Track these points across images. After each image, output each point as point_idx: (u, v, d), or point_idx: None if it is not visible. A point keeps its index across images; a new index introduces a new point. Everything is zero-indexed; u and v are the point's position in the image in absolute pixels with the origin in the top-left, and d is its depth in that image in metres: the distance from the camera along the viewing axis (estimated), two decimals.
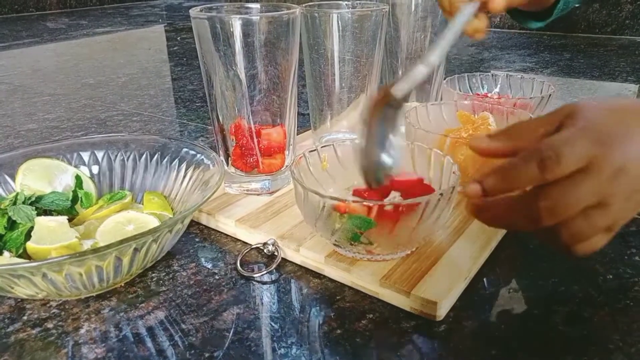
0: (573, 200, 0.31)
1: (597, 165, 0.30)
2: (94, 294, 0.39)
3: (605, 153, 0.31)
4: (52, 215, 0.44)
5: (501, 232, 0.45)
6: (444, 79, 0.68)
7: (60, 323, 0.37)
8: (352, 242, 0.38)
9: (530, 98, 0.60)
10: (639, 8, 1.44)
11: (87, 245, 0.41)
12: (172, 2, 2.69)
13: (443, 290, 0.36)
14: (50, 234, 0.40)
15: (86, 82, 1.08)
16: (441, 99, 0.67)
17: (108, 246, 0.33)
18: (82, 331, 0.36)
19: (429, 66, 0.39)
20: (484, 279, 0.41)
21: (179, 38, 1.63)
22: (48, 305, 0.39)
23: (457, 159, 0.47)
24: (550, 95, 0.61)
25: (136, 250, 0.36)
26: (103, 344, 0.35)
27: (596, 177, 0.30)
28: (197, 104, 0.91)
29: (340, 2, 0.59)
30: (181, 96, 0.98)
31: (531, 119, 0.38)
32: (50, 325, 0.37)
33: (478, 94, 0.68)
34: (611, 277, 0.41)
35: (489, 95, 0.68)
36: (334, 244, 0.41)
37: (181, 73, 1.16)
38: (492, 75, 0.70)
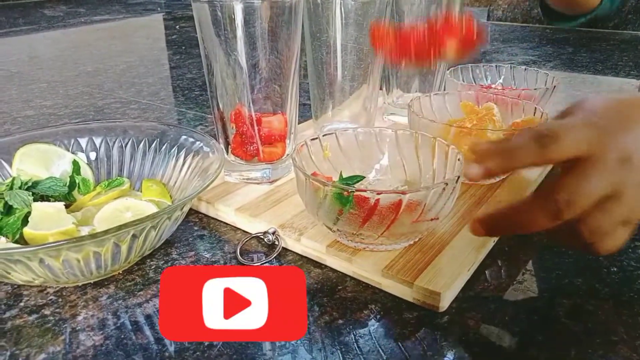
0: (587, 190, 0.31)
1: (599, 152, 0.31)
2: (91, 281, 0.39)
3: (605, 141, 0.31)
4: (49, 201, 0.43)
5: None
6: (447, 69, 0.67)
7: (57, 310, 0.37)
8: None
9: (535, 89, 0.59)
10: None
11: (84, 231, 0.40)
12: None
13: (446, 281, 0.36)
14: (48, 220, 0.39)
15: (84, 70, 1.07)
16: (445, 90, 0.67)
17: (106, 232, 0.33)
18: (80, 318, 0.36)
19: None
20: (487, 271, 0.40)
21: (177, 27, 1.61)
22: (45, 291, 0.38)
23: (461, 149, 0.46)
24: (554, 87, 0.60)
25: (134, 236, 0.35)
26: (101, 332, 0.34)
27: (602, 165, 0.31)
28: (196, 93, 0.90)
29: None
30: (180, 84, 0.97)
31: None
32: (47, 312, 0.36)
33: (482, 85, 0.67)
34: (615, 269, 0.40)
35: (493, 86, 0.68)
36: (336, 232, 0.40)
37: (180, 62, 1.15)
38: (496, 66, 0.69)
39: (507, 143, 0.33)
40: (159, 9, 2.06)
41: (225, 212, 0.47)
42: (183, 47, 1.30)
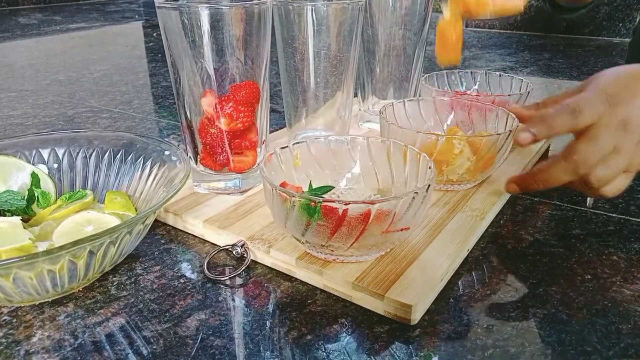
0: (596, 150, 0.41)
1: (605, 119, 0.41)
2: (49, 300, 0.37)
3: (610, 110, 0.41)
4: (6, 215, 0.41)
5: (478, 232, 0.44)
6: (423, 76, 0.67)
7: (11, 331, 0.35)
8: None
9: (509, 95, 0.59)
10: (616, 10, 1.45)
11: (42, 247, 0.38)
12: None
13: (418, 293, 0.35)
14: (2, 236, 0.37)
15: (56, 79, 1.05)
16: (420, 96, 0.66)
17: (60, 248, 0.31)
18: (35, 339, 0.34)
19: None
20: (460, 281, 0.39)
21: (155, 34, 1.59)
22: None
23: (430, 156, 0.45)
24: (528, 92, 0.60)
25: (92, 253, 0.34)
26: (56, 354, 0.33)
27: (606, 129, 0.41)
28: (170, 101, 0.89)
29: None
30: (154, 92, 0.95)
31: (559, 94, 0.50)
32: None
33: (457, 91, 0.67)
34: (589, 277, 0.40)
35: (468, 92, 0.67)
36: (305, 243, 0.39)
37: (155, 69, 1.13)
38: (471, 73, 0.69)
39: (548, 116, 0.43)
40: (137, 16, 2.04)
41: (193, 224, 0.45)
42: (159, 55, 1.28)
